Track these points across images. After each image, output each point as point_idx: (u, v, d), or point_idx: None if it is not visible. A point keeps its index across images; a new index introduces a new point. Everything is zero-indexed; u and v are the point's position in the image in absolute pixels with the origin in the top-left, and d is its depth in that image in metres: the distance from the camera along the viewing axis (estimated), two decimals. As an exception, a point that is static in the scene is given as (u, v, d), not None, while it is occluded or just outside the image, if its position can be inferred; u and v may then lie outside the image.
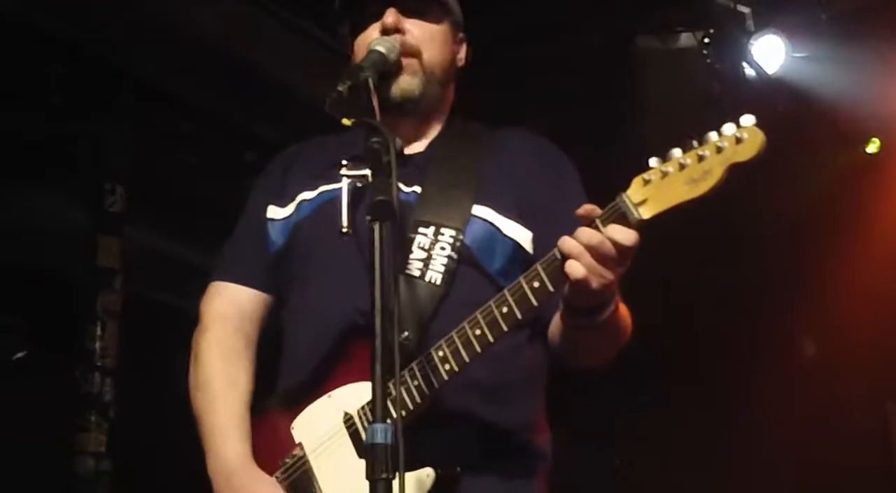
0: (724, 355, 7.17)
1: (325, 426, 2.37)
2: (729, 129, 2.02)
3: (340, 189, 2.48)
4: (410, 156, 2.56)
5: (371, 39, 2.48)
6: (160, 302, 6.56)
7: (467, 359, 2.22)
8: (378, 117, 2.20)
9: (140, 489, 5.74)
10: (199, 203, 6.08)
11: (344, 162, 2.50)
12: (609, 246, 2.08)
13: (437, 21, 2.59)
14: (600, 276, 2.10)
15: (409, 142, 2.58)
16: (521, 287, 2.17)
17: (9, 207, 5.56)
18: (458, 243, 2.41)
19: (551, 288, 2.15)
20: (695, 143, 2.05)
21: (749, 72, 5.94)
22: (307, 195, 2.57)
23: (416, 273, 2.39)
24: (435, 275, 2.39)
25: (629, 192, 2.09)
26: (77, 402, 5.29)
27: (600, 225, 2.10)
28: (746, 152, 2.00)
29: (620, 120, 6.12)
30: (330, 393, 2.38)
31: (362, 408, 2.31)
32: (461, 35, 2.69)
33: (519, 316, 2.18)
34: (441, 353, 2.23)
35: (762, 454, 6.98)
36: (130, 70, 5.29)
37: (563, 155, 2.64)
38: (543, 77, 5.95)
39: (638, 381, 6.60)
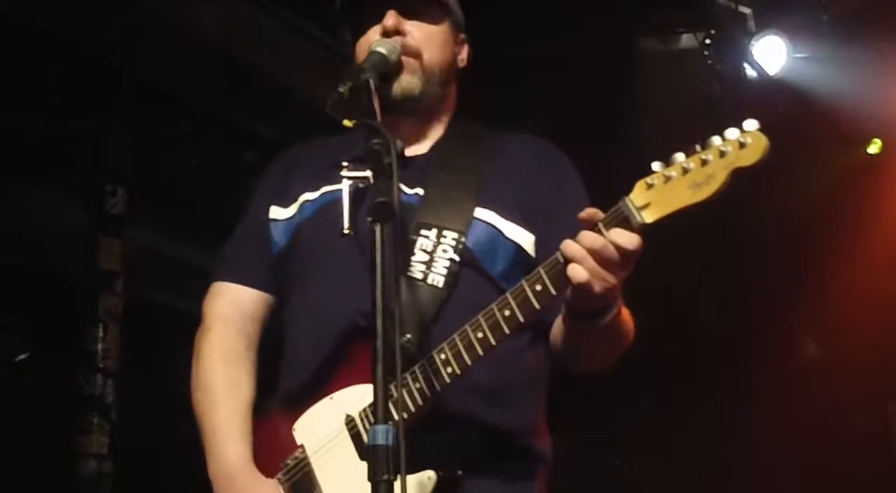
0: (726, 359, 7.17)
1: (326, 428, 2.37)
2: (732, 133, 2.02)
3: (342, 190, 2.48)
4: (412, 158, 2.56)
5: (372, 41, 2.48)
6: (160, 303, 6.55)
7: (469, 362, 2.21)
8: (379, 119, 2.20)
9: (142, 491, 5.74)
10: (199, 203, 6.07)
11: (345, 163, 2.50)
12: (612, 250, 2.08)
13: (437, 22, 2.59)
14: (603, 280, 2.10)
15: (410, 143, 2.57)
16: (524, 290, 2.17)
17: (8, 208, 5.55)
18: (460, 246, 2.41)
19: (554, 291, 2.15)
20: (698, 147, 2.05)
21: (750, 73, 5.94)
22: (309, 196, 2.57)
23: (419, 276, 2.39)
24: (437, 277, 2.39)
25: (632, 195, 2.09)
26: (79, 404, 5.29)
27: (603, 229, 2.10)
28: (750, 157, 2.00)
29: (621, 120, 6.11)
30: (332, 395, 2.38)
31: (364, 410, 2.31)
32: (462, 36, 2.69)
33: (521, 319, 2.18)
34: (443, 355, 2.23)
35: (763, 456, 6.98)
36: (130, 70, 5.28)
37: (565, 158, 2.64)
38: (543, 77, 5.95)
39: (640, 384, 6.60)
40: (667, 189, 2.05)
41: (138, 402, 5.49)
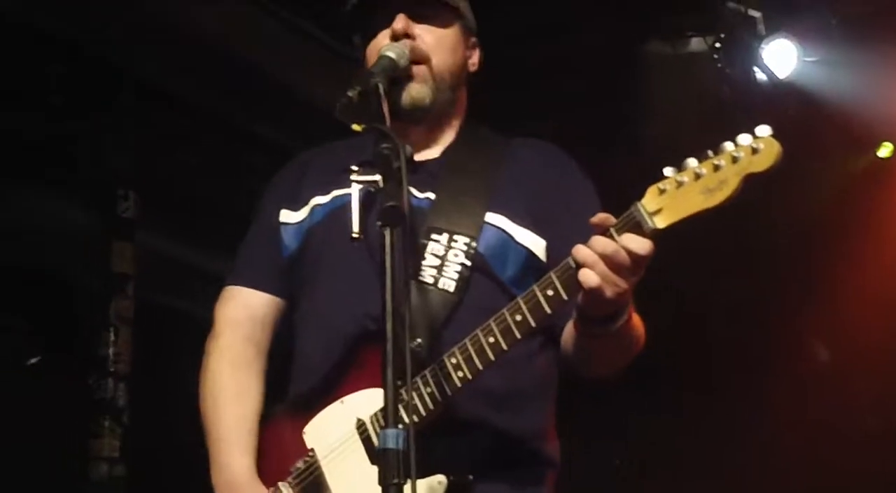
0: (737, 363, 7.16)
1: (337, 432, 2.37)
2: (745, 139, 2.01)
3: (351, 194, 2.48)
4: (423, 162, 2.56)
5: (382, 45, 2.49)
6: (170, 307, 6.56)
7: (480, 367, 2.21)
8: (388, 123, 2.20)
9: (153, 495, 5.75)
10: (199, 204, 6.08)
11: (354, 167, 2.50)
12: (623, 255, 2.07)
13: (447, 25, 2.59)
14: (614, 285, 2.09)
15: (421, 148, 2.57)
16: (535, 295, 2.17)
17: (9, 208, 5.56)
18: (471, 251, 2.41)
19: (565, 296, 2.15)
20: (710, 152, 2.05)
21: (760, 76, 5.91)
22: (320, 200, 2.57)
23: (430, 280, 2.39)
24: (448, 282, 2.39)
25: (644, 201, 2.09)
26: (90, 407, 5.30)
27: (615, 234, 2.09)
28: (762, 163, 2.00)
29: (624, 122, 6.11)
30: (342, 399, 2.38)
31: (375, 414, 2.30)
32: (473, 40, 2.68)
33: (532, 324, 2.18)
34: (454, 360, 2.23)
35: (774, 459, 6.97)
36: (130, 70, 5.27)
37: (575, 163, 2.64)
38: (547, 79, 5.94)
39: (651, 388, 6.59)
40: (679, 194, 2.05)
41: (150, 406, 5.49)
